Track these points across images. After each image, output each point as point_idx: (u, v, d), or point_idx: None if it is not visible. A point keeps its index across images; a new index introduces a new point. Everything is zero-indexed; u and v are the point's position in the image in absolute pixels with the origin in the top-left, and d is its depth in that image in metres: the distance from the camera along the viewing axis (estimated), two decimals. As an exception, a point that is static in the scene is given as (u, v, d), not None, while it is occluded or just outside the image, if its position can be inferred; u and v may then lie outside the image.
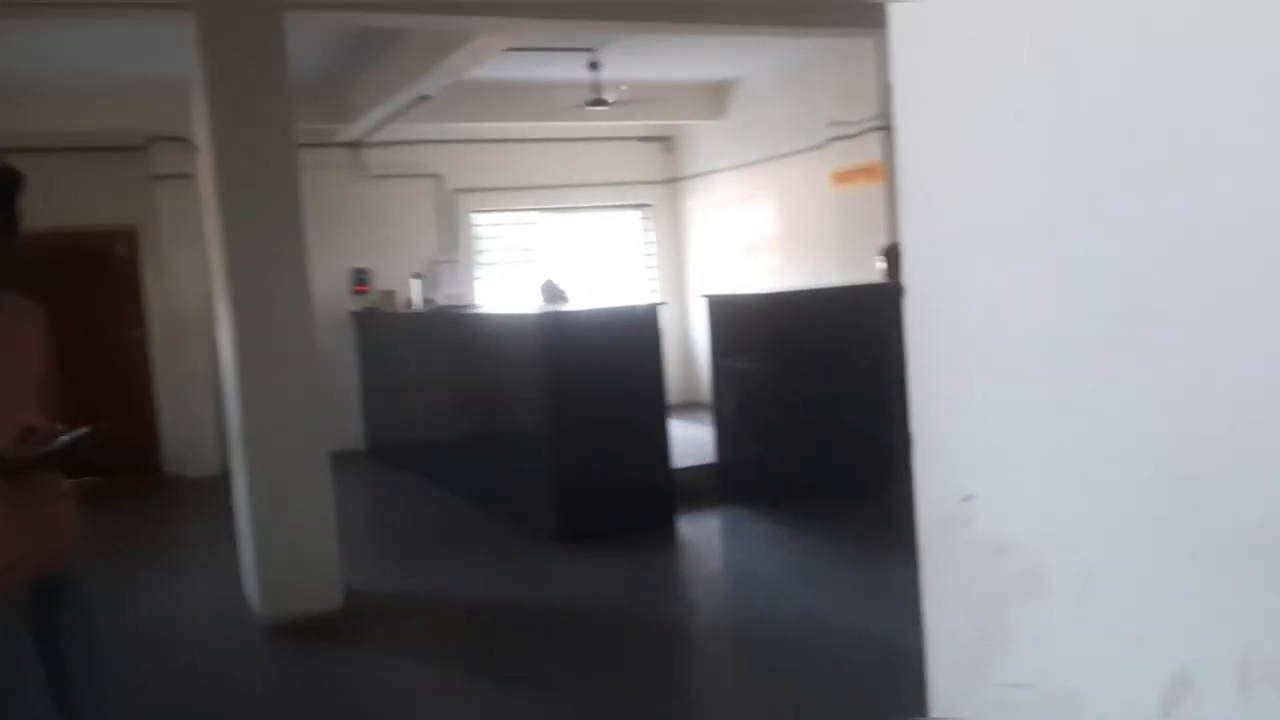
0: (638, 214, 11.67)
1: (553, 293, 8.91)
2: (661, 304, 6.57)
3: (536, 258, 11.11)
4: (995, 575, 1.86)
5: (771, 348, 6.69)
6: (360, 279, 10.08)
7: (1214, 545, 1.55)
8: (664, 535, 6.17)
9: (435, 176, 10.42)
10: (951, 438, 1.96)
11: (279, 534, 5.03)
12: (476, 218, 10.82)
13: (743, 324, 6.96)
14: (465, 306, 9.34)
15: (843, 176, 8.84)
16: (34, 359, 2.51)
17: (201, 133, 5.07)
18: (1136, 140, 1.59)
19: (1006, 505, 1.85)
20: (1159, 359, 1.59)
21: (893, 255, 7.50)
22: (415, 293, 9.20)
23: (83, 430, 2.38)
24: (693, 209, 11.42)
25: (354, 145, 9.94)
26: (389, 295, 9.43)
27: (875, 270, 7.59)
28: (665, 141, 11.50)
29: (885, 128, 8.36)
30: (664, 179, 11.57)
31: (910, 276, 1.96)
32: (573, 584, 5.43)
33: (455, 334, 7.92)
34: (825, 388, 6.81)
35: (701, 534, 6.35)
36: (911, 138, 1.93)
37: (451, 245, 10.56)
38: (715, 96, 10.35)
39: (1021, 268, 1.78)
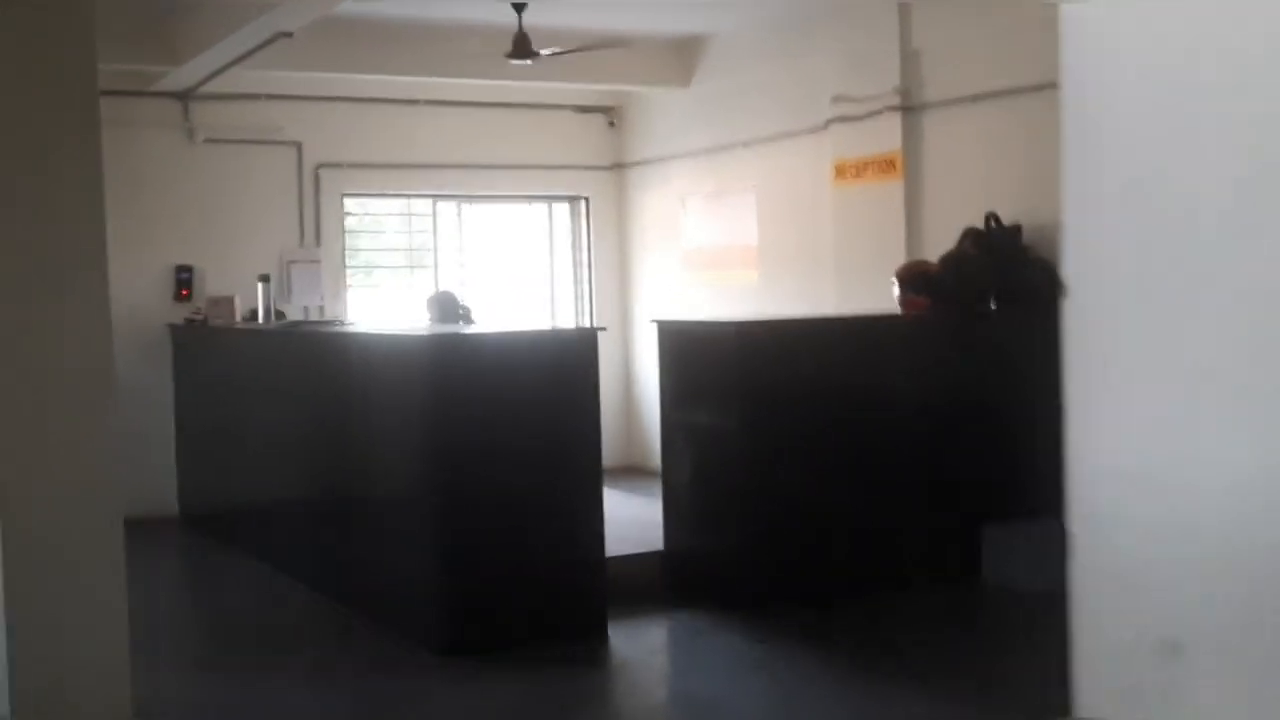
0: (569, 208, 11.54)
1: (448, 309, 8.72)
2: (599, 329, 6.41)
3: (431, 262, 10.92)
4: (1148, 627, 2.53)
5: (746, 397, 6.54)
6: (184, 281, 9.80)
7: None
8: (590, 651, 5.95)
9: (294, 144, 10.20)
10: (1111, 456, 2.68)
11: (43, 634, 4.73)
12: (350, 204, 10.60)
13: (707, 363, 6.82)
14: (328, 322, 9.08)
15: (847, 170, 8.81)
16: None
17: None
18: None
19: (1164, 549, 2.46)
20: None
21: (912, 279, 7.44)
22: (259, 301, 8.92)
23: None
24: (643, 205, 11.33)
25: (182, 96, 9.69)
26: (221, 304, 9.15)
27: (889, 297, 7.55)
28: (610, 113, 11.42)
29: (909, 108, 8.35)
30: (607, 164, 11.48)
31: (1075, 282, 2.71)
32: (456, 717, 5.18)
33: (311, 360, 7.67)
34: (818, 455, 6.68)
35: (642, 650, 6.15)
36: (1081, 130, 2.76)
37: (313, 240, 10.32)
38: (680, 56, 10.30)
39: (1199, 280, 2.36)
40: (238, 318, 9.14)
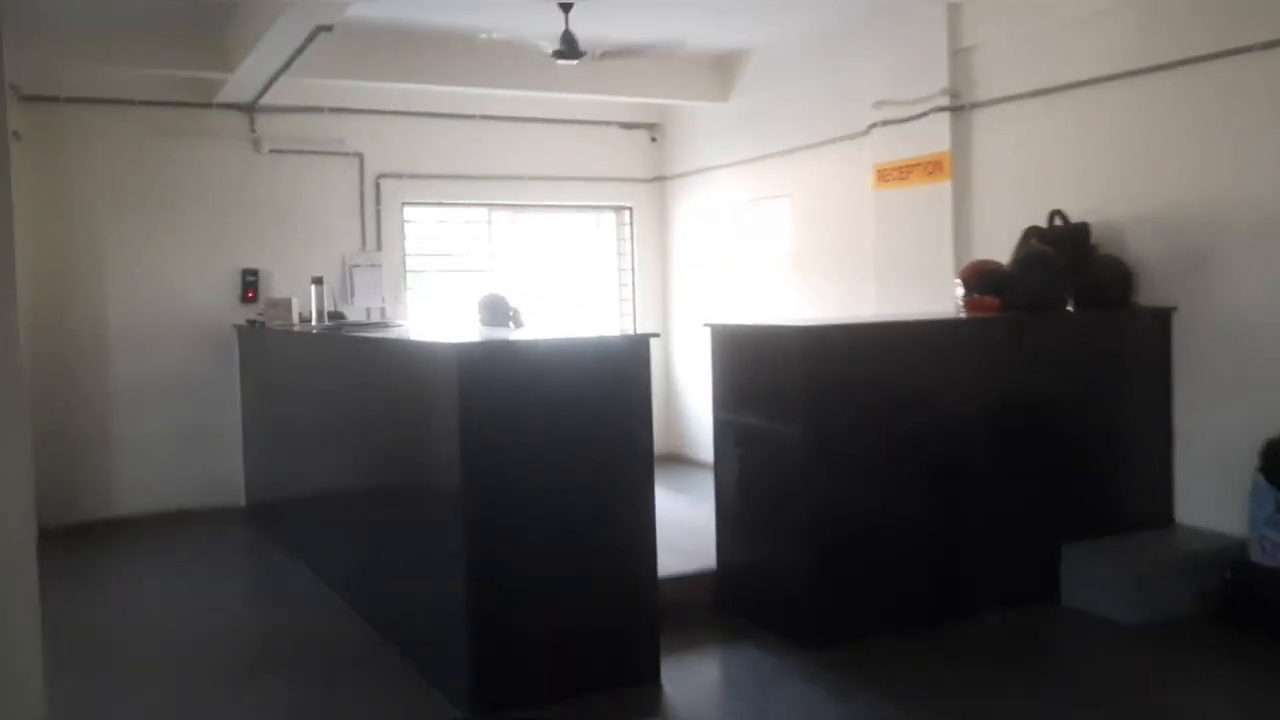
0: (615, 217, 9.44)
1: (498, 311, 6.68)
2: (652, 335, 4.32)
3: (486, 266, 8.85)
4: None
5: (812, 403, 4.45)
6: (250, 284, 7.78)
7: None
8: (643, 701, 3.89)
9: (356, 155, 8.13)
10: None
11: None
12: (410, 212, 8.53)
13: (767, 366, 4.72)
14: (374, 325, 6.99)
15: (889, 174, 6.67)
16: None
17: None
18: None
19: None
20: None
21: (979, 279, 5.32)
22: (312, 303, 6.87)
23: None
24: (683, 214, 9.20)
25: (247, 109, 7.64)
26: (279, 305, 7.10)
27: (934, 299, 5.45)
28: (652, 129, 9.29)
29: (958, 107, 6.23)
30: (649, 177, 9.34)
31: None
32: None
33: (351, 364, 5.55)
34: (888, 466, 4.59)
35: (702, 701, 4.03)
36: None
37: (375, 245, 8.27)
38: (719, 71, 8.18)
39: None
40: (294, 319, 7.09)
